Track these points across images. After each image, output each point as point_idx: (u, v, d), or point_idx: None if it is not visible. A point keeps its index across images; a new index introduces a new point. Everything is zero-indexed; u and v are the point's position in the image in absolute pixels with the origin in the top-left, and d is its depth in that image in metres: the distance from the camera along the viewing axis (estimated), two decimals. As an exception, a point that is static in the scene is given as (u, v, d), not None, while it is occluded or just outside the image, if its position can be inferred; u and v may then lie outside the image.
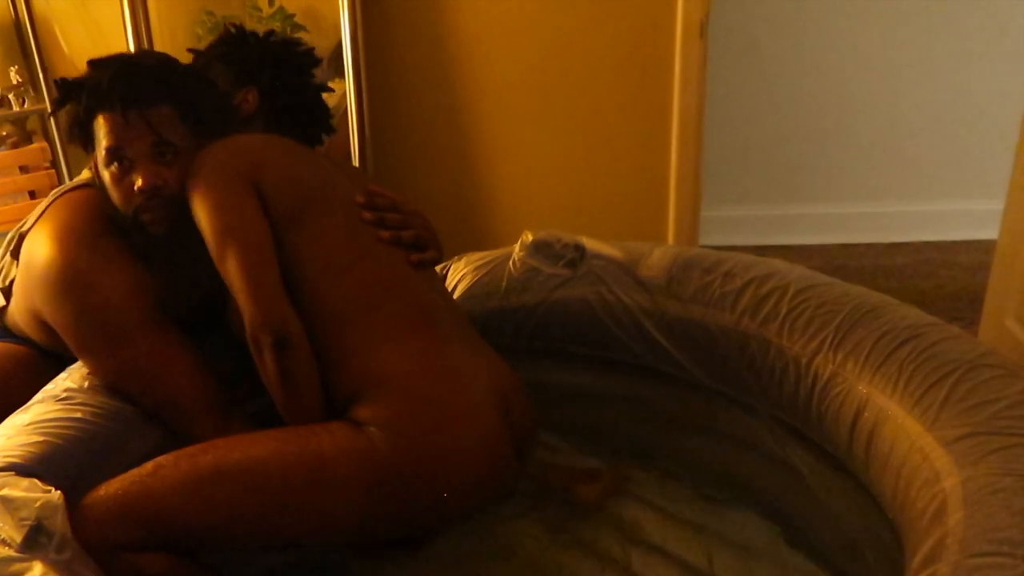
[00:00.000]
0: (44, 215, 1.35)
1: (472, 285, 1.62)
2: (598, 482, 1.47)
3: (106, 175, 1.28)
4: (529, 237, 1.61)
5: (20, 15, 2.23)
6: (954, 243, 3.09)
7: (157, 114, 1.26)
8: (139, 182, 1.24)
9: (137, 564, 1.08)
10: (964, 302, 2.64)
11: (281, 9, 2.30)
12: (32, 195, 2.29)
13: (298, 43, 1.54)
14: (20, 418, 1.22)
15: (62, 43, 2.25)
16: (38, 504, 1.01)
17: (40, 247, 1.29)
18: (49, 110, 2.23)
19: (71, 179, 2.22)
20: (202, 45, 2.26)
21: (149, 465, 1.13)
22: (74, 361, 1.33)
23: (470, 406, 1.19)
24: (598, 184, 2.36)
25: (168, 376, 1.26)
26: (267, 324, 1.16)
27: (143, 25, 2.23)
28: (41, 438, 1.16)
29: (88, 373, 1.29)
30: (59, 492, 1.04)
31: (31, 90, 2.26)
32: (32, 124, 2.37)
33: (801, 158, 3.15)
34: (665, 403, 1.55)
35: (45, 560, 0.98)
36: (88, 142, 1.29)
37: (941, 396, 1.11)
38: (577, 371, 1.61)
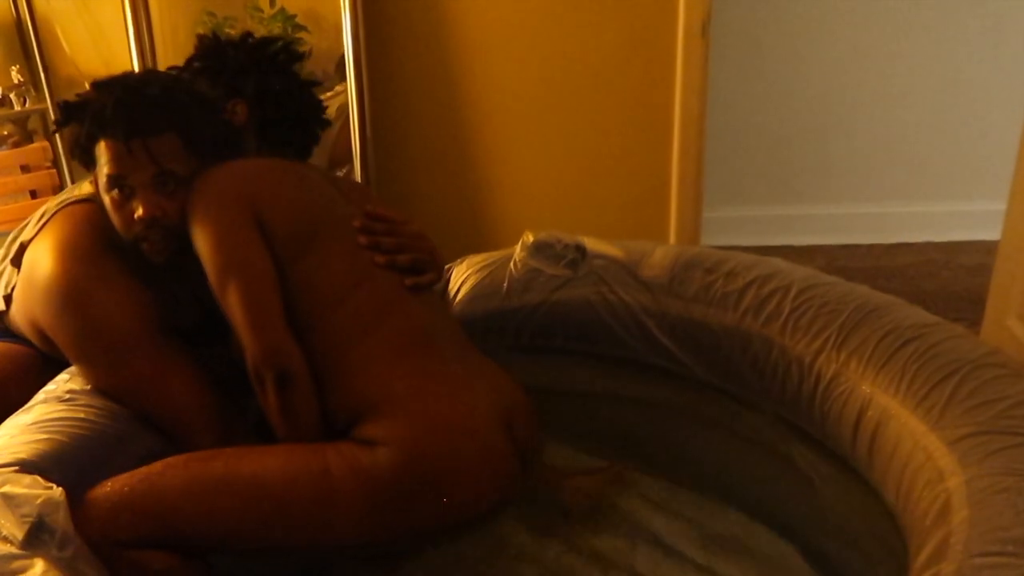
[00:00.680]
0: (47, 227, 1.35)
1: (474, 287, 1.62)
2: (597, 476, 1.47)
3: (107, 199, 1.27)
4: (530, 238, 1.61)
5: (21, 15, 2.24)
6: (956, 244, 3.09)
7: (160, 143, 1.24)
8: (139, 211, 1.24)
9: (140, 561, 1.08)
10: (966, 303, 2.64)
11: (282, 10, 2.30)
12: (33, 195, 2.29)
13: (275, 41, 1.49)
14: (23, 418, 1.22)
15: (63, 43, 2.25)
16: (40, 501, 1.01)
17: (42, 261, 1.29)
18: (51, 109, 2.23)
19: (72, 179, 2.23)
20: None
21: (158, 465, 1.15)
22: (74, 363, 1.34)
23: (471, 424, 1.19)
24: (599, 185, 2.36)
25: (169, 393, 1.27)
26: (269, 360, 1.17)
27: (144, 25, 2.23)
28: (45, 436, 1.17)
29: (90, 378, 1.30)
30: (61, 489, 1.04)
31: (32, 90, 2.26)
32: (33, 123, 2.37)
33: (803, 158, 3.15)
34: (667, 403, 1.54)
35: (47, 557, 0.98)
36: (89, 162, 1.29)
37: (945, 395, 1.11)
38: (579, 371, 1.61)
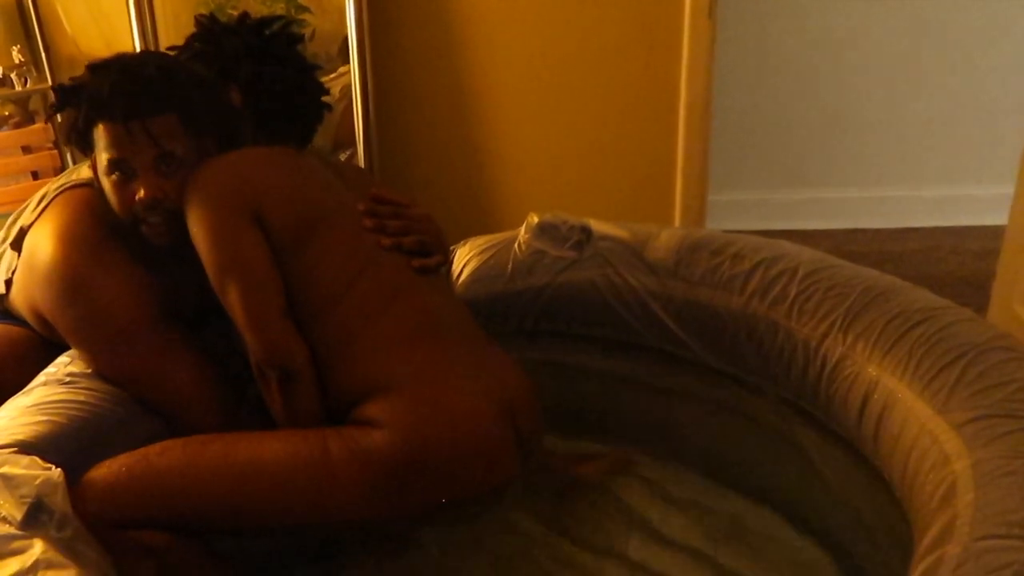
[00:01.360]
0: (47, 212, 1.34)
1: (478, 269, 1.61)
2: (599, 461, 1.47)
3: (106, 183, 1.26)
4: (535, 219, 1.60)
5: (23, -6, 2.23)
6: (963, 228, 3.07)
7: (159, 124, 1.22)
8: (141, 193, 1.23)
9: (138, 541, 1.09)
10: (973, 287, 2.62)
11: (286, -9, 2.28)
12: (35, 175, 2.28)
13: (271, 22, 1.43)
14: (23, 400, 1.22)
15: (64, 23, 2.24)
16: (38, 482, 1.01)
17: (43, 246, 1.28)
18: (51, 90, 2.22)
19: (74, 161, 2.22)
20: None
21: (156, 446, 1.15)
22: (73, 346, 1.34)
23: (473, 411, 1.19)
24: (604, 167, 2.35)
25: (170, 380, 1.27)
26: (272, 360, 1.18)
27: (146, 4, 2.21)
28: (45, 418, 1.17)
29: (91, 362, 1.30)
30: (59, 470, 1.04)
31: (33, 70, 2.25)
32: (34, 104, 2.35)
33: (809, 142, 3.13)
34: (672, 386, 1.54)
35: (45, 538, 0.98)
36: (87, 147, 1.27)
37: (952, 379, 1.10)
38: (583, 353, 1.60)
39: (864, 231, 3.14)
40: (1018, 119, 2.93)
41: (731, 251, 1.45)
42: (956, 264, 2.87)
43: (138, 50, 2.14)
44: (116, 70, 1.24)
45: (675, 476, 1.47)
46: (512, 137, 2.34)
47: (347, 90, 2.26)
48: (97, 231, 1.28)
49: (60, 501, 1.01)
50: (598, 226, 1.58)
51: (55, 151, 2.27)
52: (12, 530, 0.98)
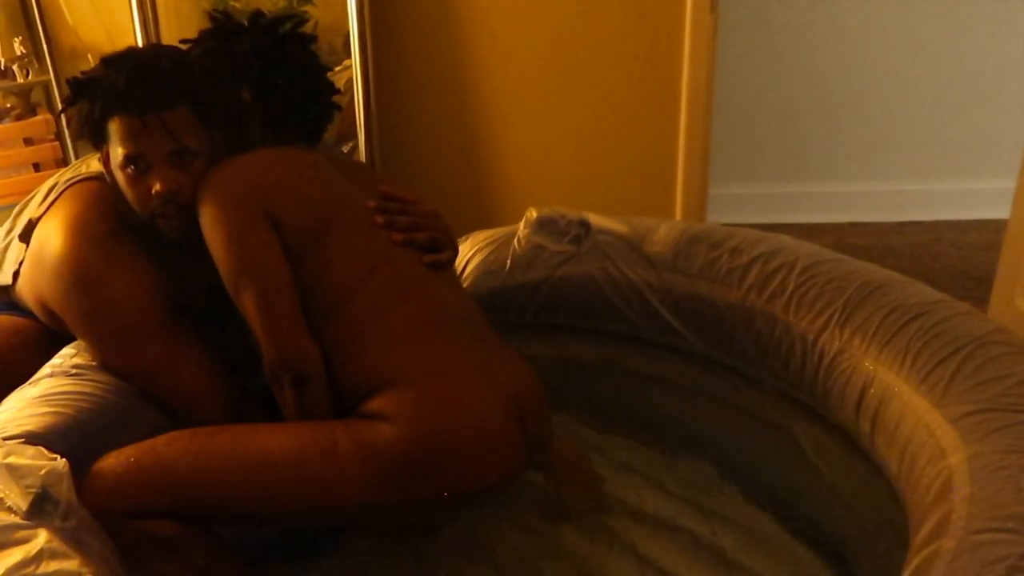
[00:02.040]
0: (57, 204, 1.34)
1: (478, 264, 1.62)
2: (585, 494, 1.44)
3: (120, 176, 1.26)
4: (534, 214, 1.60)
5: (25, -15, 2.22)
6: (965, 222, 3.07)
7: (174, 117, 1.23)
8: (157, 187, 1.23)
9: (144, 530, 1.09)
10: (974, 281, 2.62)
11: (288, -18, 2.28)
12: (37, 167, 2.28)
13: (283, 22, 1.41)
14: (29, 391, 1.23)
15: (66, 14, 2.24)
16: (43, 472, 1.01)
17: (52, 240, 1.29)
18: (54, 81, 2.21)
19: (76, 152, 2.22)
20: (206, 17, 2.23)
21: (163, 437, 1.16)
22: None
23: (481, 408, 1.19)
24: (605, 160, 2.35)
25: (177, 377, 1.27)
26: (285, 364, 1.19)
27: (147, -4, 2.20)
28: (51, 409, 1.17)
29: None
30: (64, 460, 1.04)
31: (35, 61, 2.24)
32: (36, 96, 2.35)
33: (811, 135, 3.13)
34: (670, 379, 1.54)
35: (50, 528, 0.98)
36: (100, 140, 1.27)
37: (948, 373, 1.10)
38: (582, 347, 1.61)
39: (866, 224, 3.13)
40: (1021, 113, 2.92)
41: (730, 245, 1.45)
42: (957, 258, 2.86)
43: (140, 41, 2.14)
44: (131, 64, 1.24)
45: (672, 467, 1.48)
46: (513, 130, 2.34)
47: (350, 83, 2.26)
48: (107, 225, 1.28)
49: (65, 491, 1.01)
50: (597, 220, 1.58)
51: (57, 143, 2.27)
52: (17, 520, 0.98)
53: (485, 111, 2.32)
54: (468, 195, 2.39)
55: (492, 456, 1.19)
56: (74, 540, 0.99)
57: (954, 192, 3.12)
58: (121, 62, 1.24)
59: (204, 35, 1.42)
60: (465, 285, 1.58)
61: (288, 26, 1.41)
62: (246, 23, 1.42)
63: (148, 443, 1.15)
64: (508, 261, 1.59)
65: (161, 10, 2.20)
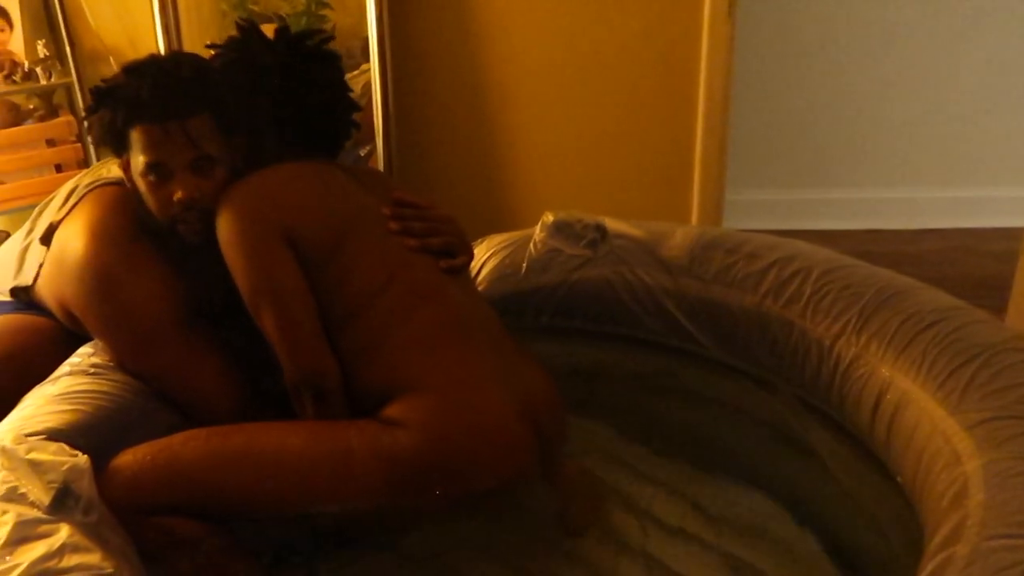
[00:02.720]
0: (78, 208, 1.36)
1: (494, 268, 1.62)
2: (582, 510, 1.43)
3: (142, 183, 1.27)
4: (550, 218, 1.61)
5: (48, -11, 2.25)
6: (983, 230, 3.04)
7: (196, 124, 1.24)
8: (178, 194, 1.25)
9: (162, 527, 1.11)
10: (992, 289, 2.60)
11: (306, -14, 2.29)
12: (58, 168, 2.30)
13: (309, 36, 1.41)
14: (49, 389, 1.24)
15: (88, 16, 2.26)
16: (65, 467, 1.03)
17: (73, 243, 1.30)
18: (76, 84, 2.24)
19: (97, 154, 2.24)
20: (227, 20, 2.24)
21: (179, 436, 1.17)
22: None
23: (497, 415, 1.20)
24: (622, 166, 2.35)
25: (194, 381, 1.29)
26: (306, 380, 1.21)
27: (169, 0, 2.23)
28: (71, 407, 1.19)
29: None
30: (86, 456, 1.06)
31: (58, 64, 2.27)
32: (59, 97, 2.37)
33: (828, 142, 3.12)
34: (685, 383, 1.54)
35: (72, 522, 1.00)
36: (122, 148, 1.28)
37: (965, 380, 1.10)
38: (598, 351, 1.61)
39: (883, 232, 3.12)
40: (1040, 121, 2.91)
41: (746, 250, 1.45)
42: (975, 266, 2.84)
43: (161, 44, 2.16)
44: (152, 72, 1.25)
45: (686, 473, 1.48)
46: (530, 135, 2.34)
47: (368, 87, 2.27)
48: (128, 230, 1.30)
49: (87, 487, 1.03)
50: (613, 224, 1.59)
51: (79, 144, 2.29)
52: (39, 514, 1.00)
53: (502, 116, 2.33)
54: (484, 198, 2.40)
55: (506, 461, 1.20)
56: (95, 535, 1.01)
57: (972, 200, 3.10)
58: (142, 70, 1.26)
59: (229, 45, 1.42)
60: (480, 288, 1.59)
61: (313, 43, 1.41)
62: (272, 36, 1.41)
63: (164, 441, 1.16)
64: (524, 264, 1.60)
65: (183, 14, 2.22)
